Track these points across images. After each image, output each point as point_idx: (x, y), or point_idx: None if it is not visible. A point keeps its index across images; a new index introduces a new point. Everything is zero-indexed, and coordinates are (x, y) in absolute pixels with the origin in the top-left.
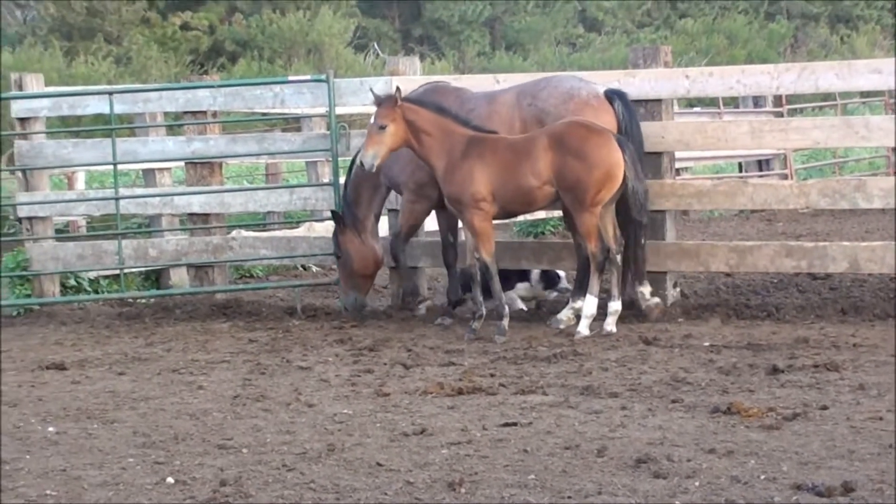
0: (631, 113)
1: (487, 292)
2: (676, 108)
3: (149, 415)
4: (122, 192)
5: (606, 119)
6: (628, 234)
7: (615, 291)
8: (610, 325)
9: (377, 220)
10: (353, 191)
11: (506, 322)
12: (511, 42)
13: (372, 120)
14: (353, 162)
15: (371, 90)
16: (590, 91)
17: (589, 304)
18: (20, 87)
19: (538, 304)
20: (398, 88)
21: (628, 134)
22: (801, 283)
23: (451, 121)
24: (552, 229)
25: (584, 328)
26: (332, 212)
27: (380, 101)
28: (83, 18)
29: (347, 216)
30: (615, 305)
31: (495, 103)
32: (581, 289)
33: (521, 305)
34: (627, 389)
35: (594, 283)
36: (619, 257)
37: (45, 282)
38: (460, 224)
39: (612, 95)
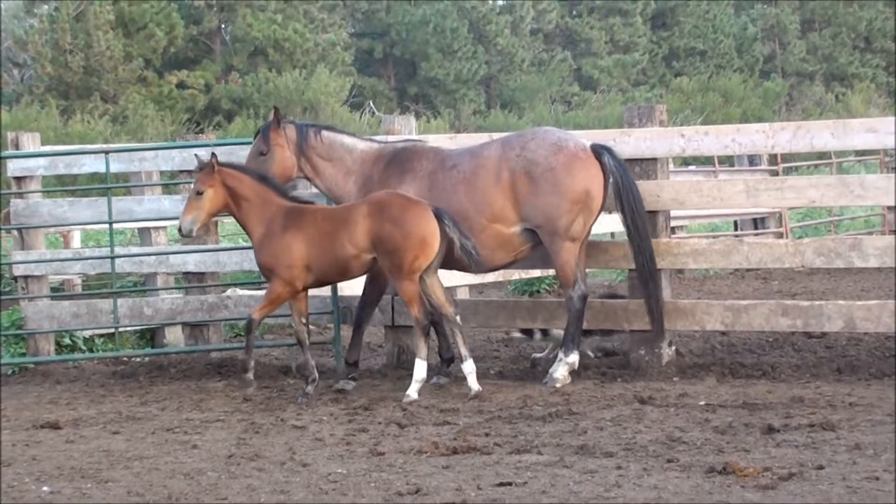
0: (623, 167)
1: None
2: (672, 167)
3: (143, 474)
4: (118, 250)
5: (594, 171)
6: None
7: (464, 352)
8: (412, 393)
9: None
10: None
11: (311, 388)
12: (506, 100)
13: (193, 185)
14: None
15: (195, 155)
16: (577, 143)
17: (419, 369)
18: (17, 146)
19: (533, 363)
20: (214, 154)
21: (625, 188)
22: (797, 342)
23: (272, 190)
24: (547, 288)
25: (413, 392)
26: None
27: (200, 167)
28: (80, 77)
29: None
30: (468, 366)
31: (479, 157)
32: (572, 342)
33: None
34: (623, 449)
35: (422, 348)
36: (458, 318)
37: (40, 340)
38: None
39: (600, 150)
